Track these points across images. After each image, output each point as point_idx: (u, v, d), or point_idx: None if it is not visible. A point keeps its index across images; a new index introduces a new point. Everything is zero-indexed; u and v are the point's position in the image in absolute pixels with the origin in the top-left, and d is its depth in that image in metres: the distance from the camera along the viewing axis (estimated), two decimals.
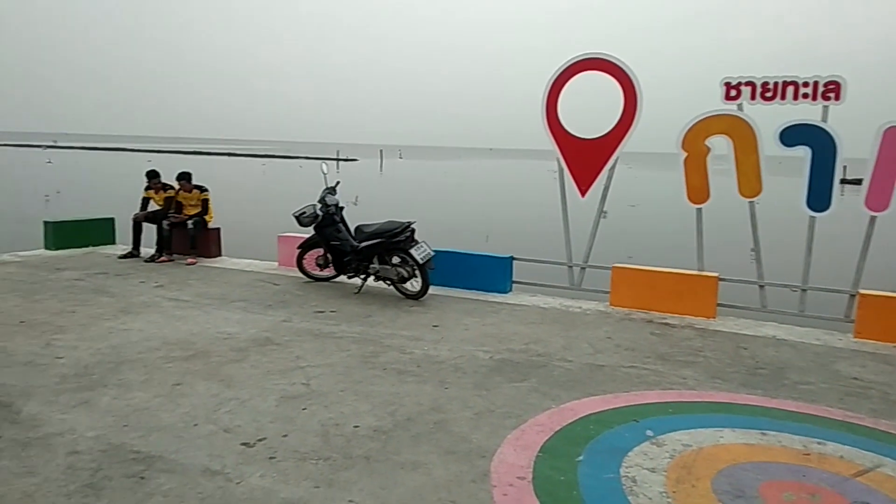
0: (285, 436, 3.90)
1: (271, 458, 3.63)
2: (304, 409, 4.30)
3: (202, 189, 9.81)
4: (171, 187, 9.79)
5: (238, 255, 10.12)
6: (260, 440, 3.84)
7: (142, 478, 3.38)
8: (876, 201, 6.57)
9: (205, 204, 9.76)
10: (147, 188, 9.86)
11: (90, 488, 3.26)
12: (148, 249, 9.76)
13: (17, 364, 5.01)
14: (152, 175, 9.83)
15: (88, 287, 7.69)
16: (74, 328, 6.00)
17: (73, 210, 17.12)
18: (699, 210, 7.35)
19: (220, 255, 10.00)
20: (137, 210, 9.85)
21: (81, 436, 3.83)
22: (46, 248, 10.06)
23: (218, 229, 10.03)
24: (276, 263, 9.41)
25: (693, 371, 5.33)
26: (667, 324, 6.78)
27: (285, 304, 7.17)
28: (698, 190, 7.22)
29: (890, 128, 6.47)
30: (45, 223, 10.20)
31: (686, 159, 7.21)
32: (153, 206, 9.88)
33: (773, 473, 3.62)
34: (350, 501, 3.21)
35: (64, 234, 10.14)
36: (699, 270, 7.31)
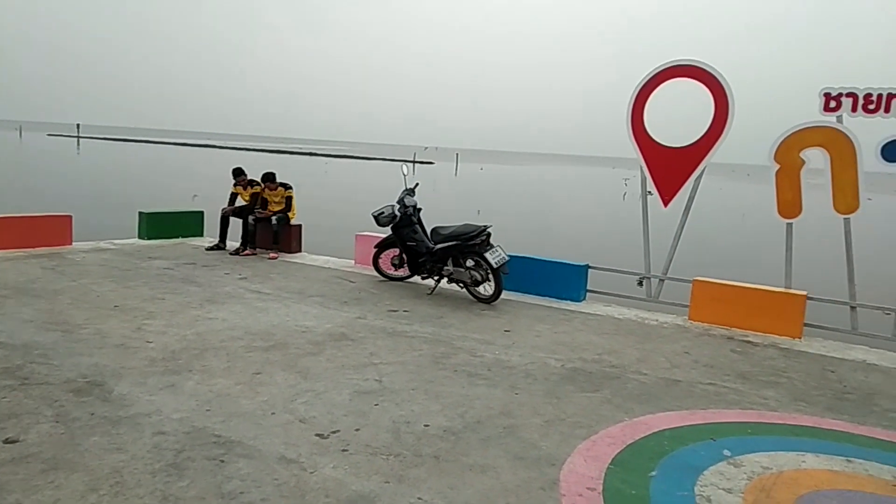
0: (358, 430, 3.99)
1: (344, 450, 3.71)
2: (376, 405, 4.38)
3: (287, 187, 10.13)
4: (258, 184, 10.16)
5: (317, 252, 10.42)
6: (334, 432, 3.93)
7: (222, 461, 3.52)
8: None
9: (289, 201, 10.08)
10: (235, 184, 10.28)
11: (174, 468, 3.42)
12: (233, 243, 10.17)
13: (111, 346, 5.31)
14: (238, 173, 10.23)
15: (177, 276, 8.08)
16: (163, 314, 6.31)
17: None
18: (789, 225, 7.05)
19: (300, 251, 10.32)
20: (226, 205, 10.28)
21: (167, 417, 4.03)
22: (140, 237, 10.63)
23: (300, 226, 10.36)
24: (353, 261, 9.62)
25: (775, 392, 5.11)
26: (749, 342, 6.53)
27: (360, 302, 7.32)
28: (790, 204, 6.93)
29: None
30: (140, 213, 10.77)
31: (778, 172, 6.93)
32: (240, 202, 10.29)
33: (858, 503, 3.44)
34: (419, 499, 3.25)
35: (156, 224, 10.69)
36: (786, 288, 7.01)
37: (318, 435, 3.89)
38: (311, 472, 3.44)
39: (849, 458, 3.96)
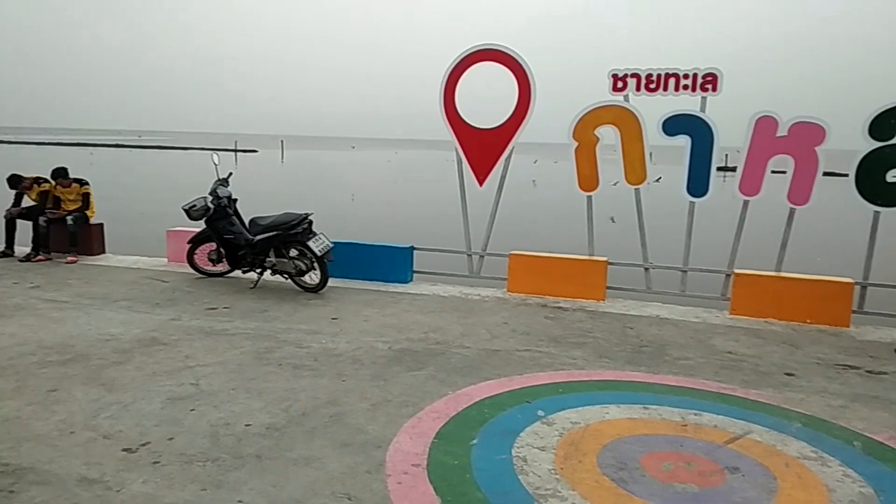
0: (171, 439, 3.75)
1: (155, 462, 3.47)
2: (192, 411, 4.15)
3: (82, 182, 9.21)
4: (46, 181, 9.14)
5: (124, 252, 9.61)
6: (143, 445, 3.66)
7: (11, 492, 3.15)
8: (748, 186, 7.03)
9: (86, 198, 9.18)
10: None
11: None
12: (23, 248, 9.09)
13: None
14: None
15: None
16: None
17: None
18: (589, 198, 7.62)
19: (103, 252, 9.45)
20: (10, 206, 9.14)
21: None
22: None
23: (101, 225, 9.48)
24: (166, 259, 9.00)
25: (583, 352, 5.54)
26: (560, 307, 7.00)
27: (174, 302, 6.87)
28: (588, 178, 7.48)
29: (760, 117, 6.90)
30: None
31: (577, 149, 7.44)
32: (28, 202, 9.20)
33: (654, 445, 3.83)
34: (239, 502, 3.13)
35: None
36: (590, 255, 7.60)
37: (125, 450, 3.60)
38: (118, 491, 3.18)
39: (646, 406, 4.39)
